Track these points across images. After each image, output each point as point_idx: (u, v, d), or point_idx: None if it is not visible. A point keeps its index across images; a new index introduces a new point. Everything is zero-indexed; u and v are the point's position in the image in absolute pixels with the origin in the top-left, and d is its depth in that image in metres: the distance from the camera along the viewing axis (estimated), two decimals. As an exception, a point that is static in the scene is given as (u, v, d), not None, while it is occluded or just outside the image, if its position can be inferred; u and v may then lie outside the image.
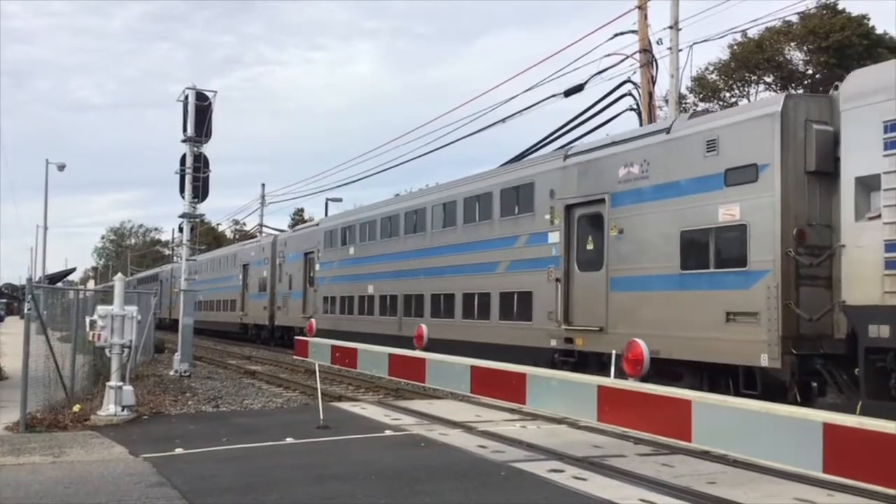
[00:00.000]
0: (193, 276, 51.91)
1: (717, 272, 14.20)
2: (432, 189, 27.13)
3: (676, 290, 15.00)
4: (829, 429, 10.13)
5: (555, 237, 18.67)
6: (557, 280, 18.23)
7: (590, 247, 17.58)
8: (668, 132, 15.64)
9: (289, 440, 12.09)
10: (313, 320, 35.06)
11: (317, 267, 34.02)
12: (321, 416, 13.59)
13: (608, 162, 17.14)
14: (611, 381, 14.61)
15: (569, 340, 17.78)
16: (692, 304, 14.60)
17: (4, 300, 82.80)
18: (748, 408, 11.46)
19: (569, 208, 18.26)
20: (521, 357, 18.33)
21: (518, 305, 19.85)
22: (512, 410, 15.56)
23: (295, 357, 29.37)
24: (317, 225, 36.04)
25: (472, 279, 22.07)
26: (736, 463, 10.62)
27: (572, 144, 20.99)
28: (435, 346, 22.62)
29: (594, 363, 17.12)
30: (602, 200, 17.11)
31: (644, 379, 15.32)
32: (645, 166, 16.03)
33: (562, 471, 9.94)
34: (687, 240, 14.89)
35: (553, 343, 18.26)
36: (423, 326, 25.87)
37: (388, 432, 12.94)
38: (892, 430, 9.53)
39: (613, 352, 16.39)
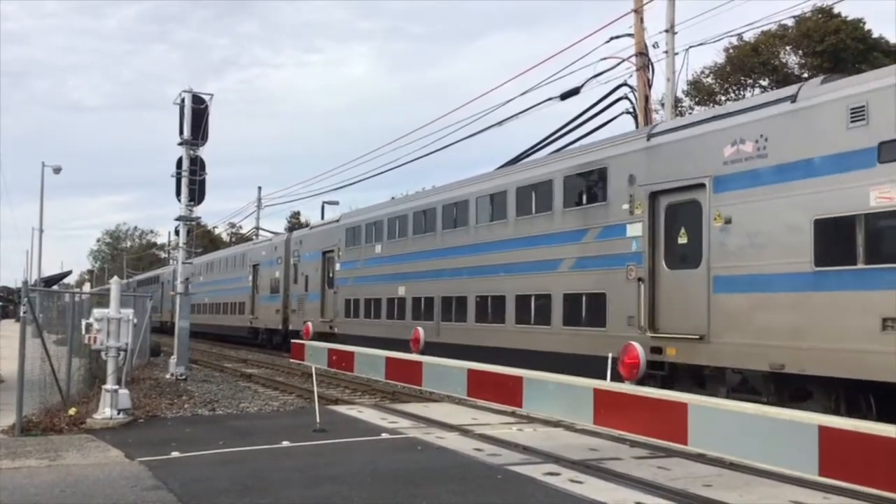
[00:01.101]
0: (191, 278, 51.67)
1: (869, 269, 11.77)
2: (476, 179, 24.26)
3: (808, 291, 12.64)
4: (824, 431, 10.15)
5: (635, 230, 16.35)
6: (639, 280, 15.97)
7: (682, 240, 15.32)
8: (793, 100, 13.39)
9: (285, 443, 12.08)
10: (309, 323, 34.71)
11: (337, 267, 31.92)
12: (318, 420, 13.58)
13: (709, 140, 14.75)
14: (606, 384, 14.62)
15: (656, 350, 15.45)
16: (831, 309, 12.28)
17: (0, 303, 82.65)
18: (744, 411, 11.48)
19: (654, 196, 15.92)
20: (590, 368, 16.20)
21: (587, 309, 17.64)
22: (508, 413, 15.56)
23: (291, 360, 29.31)
24: (337, 221, 33.40)
25: (528, 279, 19.73)
26: (732, 466, 10.64)
27: (657, 123, 18.20)
28: (481, 354, 20.12)
29: (691, 378, 14.93)
30: (700, 186, 14.76)
31: (640, 382, 15.34)
32: (761, 143, 13.68)
33: (558, 474, 9.95)
34: (824, 230, 12.51)
35: None
36: (420, 329, 25.63)
37: (384, 435, 12.94)
38: (887, 433, 9.56)
39: (610, 354, 16.34)
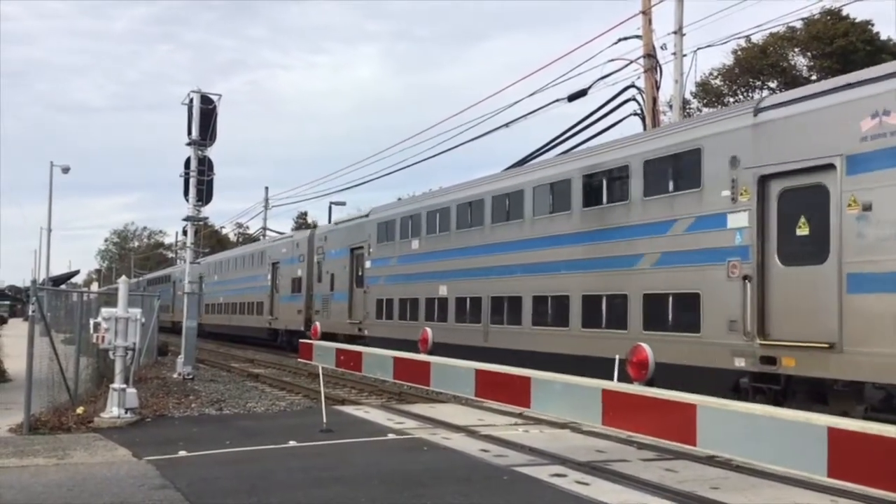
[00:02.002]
0: (205, 277, 51.19)
1: None
2: (531, 167, 22.50)
3: None
4: (833, 433, 10.12)
5: (739, 220, 14.24)
6: (745, 278, 13.85)
7: (802, 231, 13.17)
8: None
9: (292, 443, 12.10)
10: (318, 323, 34.43)
11: (367, 264, 29.77)
12: (324, 420, 13.60)
13: (839, 112, 12.68)
14: (615, 385, 14.57)
15: (768, 360, 13.32)
16: None
17: (8, 302, 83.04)
18: (752, 412, 11.45)
19: (764, 180, 13.81)
20: (680, 379, 14.35)
21: (676, 312, 15.61)
22: (515, 415, 15.55)
23: (298, 360, 29.31)
24: (366, 216, 30.98)
25: (598, 277, 17.75)
26: (739, 468, 10.61)
27: (763, 96, 15.98)
28: (538, 361, 18.35)
29: (810, 393, 13.04)
30: (828, 167, 12.69)
31: (650, 382, 15.27)
32: None
33: (564, 475, 9.94)
34: None
35: (740, 363, 13.84)
36: (428, 330, 25.24)
37: (390, 436, 12.95)
38: (894, 434, 9.54)
39: (617, 356, 16.15)
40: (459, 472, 10.14)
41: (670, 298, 15.76)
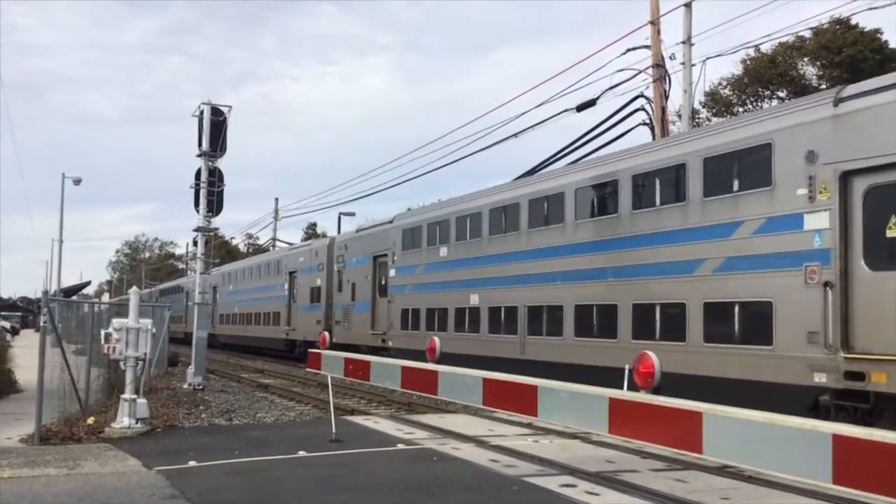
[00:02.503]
0: (219, 287, 50.89)
1: None
2: (572, 168, 21.31)
3: None
4: (838, 440, 10.08)
5: (818, 221, 13.08)
6: (826, 284, 12.73)
7: (893, 233, 12.12)
8: None
9: (301, 453, 12.11)
10: (326, 333, 34.34)
11: (391, 273, 28.61)
12: (333, 430, 13.61)
13: None
14: (622, 394, 14.54)
15: (854, 376, 12.21)
16: None
17: (20, 313, 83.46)
18: (757, 419, 11.40)
19: (847, 176, 12.72)
20: (747, 396, 13.09)
21: (743, 322, 14.41)
22: (524, 425, 15.53)
23: (308, 369, 29.31)
24: (390, 222, 29.85)
25: (651, 285, 16.61)
26: (751, 479, 10.57)
27: (844, 86, 14.06)
28: (582, 374, 17.18)
29: None
30: None
31: (656, 391, 15.23)
32: None
33: (574, 485, 9.92)
34: None
35: (820, 379, 12.70)
36: (437, 339, 24.86)
37: (400, 446, 12.95)
38: None
39: (627, 366, 16.02)
40: (469, 483, 10.14)
41: (736, 307, 14.59)
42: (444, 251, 25.37)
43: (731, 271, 14.84)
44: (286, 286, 40.05)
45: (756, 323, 14.16)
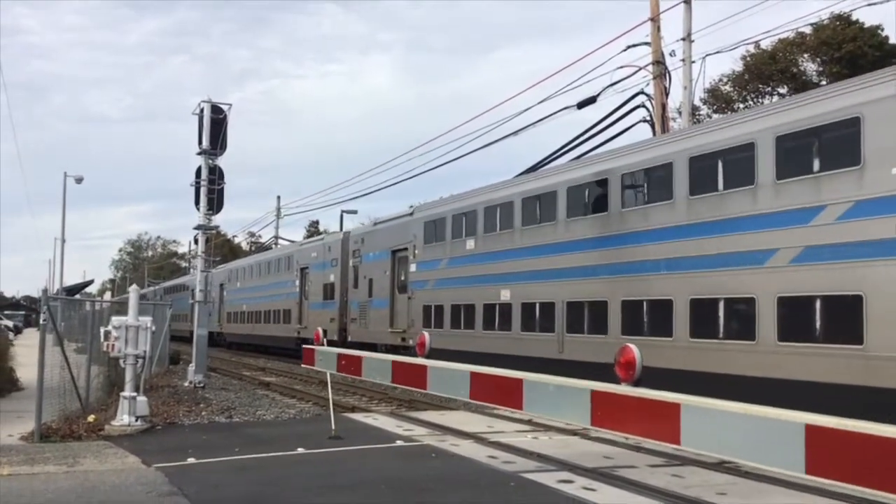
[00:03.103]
0: (226, 284, 50.52)
1: None
2: (616, 152, 19.81)
3: None
4: (811, 430, 10.06)
5: None
6: None
7: None
8: None
9: (300, 450, 12.14)
10: (319, 329, 34.18)
11: (412, 268, 27.31)
12: (333, 427, 13.65)
13: None
14: (603, 386, 14.40)
15: None
16: None
17: (23, 312, 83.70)
18: (730, 409, 11.36)
19: None
20: (834, 401, 11.95)
21: (824, 318, 13.14)
22: (524, 421, 15.54)
23: (303, 365, 29.24)
24: (409, 215, 28.64)
25: (714, 277, 15.20)
26: (749, 474, 10.56)
27: None
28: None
29: None
30: None
31: (637, 383, 15.13)
32: None
33: (571, 481, 9.95)
34: None
35: None
36: (426, 334, 25.06)
37: (399, 443, 12.98)
38: (870, 431, 9.49)
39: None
40: (467, 479, 10.17)
41: (817, 302, 13.17)
42: (471, 244, 23.98)
43: (811, 262, 13.33)
44: (297, 283, 39.10)
45: (842, 320, 12.85)
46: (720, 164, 15.50)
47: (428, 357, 24.86)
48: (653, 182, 17.33)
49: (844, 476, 9.42)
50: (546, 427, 14.81)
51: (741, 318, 14.63)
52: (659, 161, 17.07)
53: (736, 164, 15.11)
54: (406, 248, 27.89)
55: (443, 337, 24.27)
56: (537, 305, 20.69)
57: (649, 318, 17.00)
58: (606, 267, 18.26)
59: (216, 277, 54.35)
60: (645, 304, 17.11)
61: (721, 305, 15.06)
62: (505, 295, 21.94)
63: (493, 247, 22.80)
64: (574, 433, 14.07)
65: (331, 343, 31.22)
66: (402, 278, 28.18)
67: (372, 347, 28.38)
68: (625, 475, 10.33)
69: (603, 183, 18.80)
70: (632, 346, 15.06)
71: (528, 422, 15.50)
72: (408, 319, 27.31)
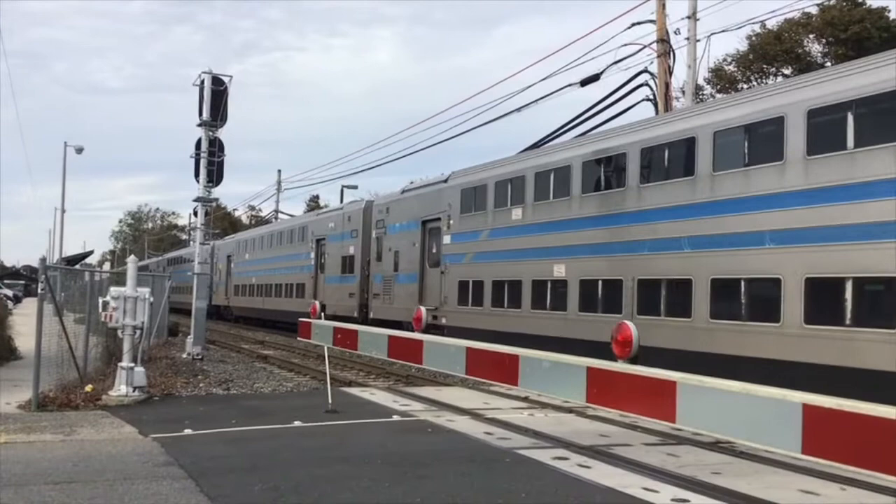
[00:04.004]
0: (233, 256, 49.54)
1: None
2: (703, 108, 17.85)
3: None
4: (808, 409, 10.08)
5: None
6: None
7: None
8: None
9: (297, 423, 12.17)
10: (316, 303, 33.93)
11: (445, 240, 25.11)
12: (330, 401, 13.67)
13: None
14: (599, 363, 14.40)
15: None
16: None
17: (23, 282, 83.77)
18: (729, 389, 11.40)
19: None
20: None
21: None
22: (521, 398, 15.57)
23: (299, 339, 29.20)
24: (444, 181, 26.14)
25: (839, 253, 12.97)
26: (742, 454, 10.60)
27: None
28: (728, 367, 13.90)
29: None
30: None
31: (633, 360, 15.14)
32: None
33: (566, 458, 9.97)
34: None
35: None
36: (422, 309, 24.12)
37: (395, 417, 13.00)
38: (867, 411, 9.52)
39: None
40: (462, 454, 10.18)
41: None
42: (517, 213, 21.61)
43: None
44: (312, 255, 37.02)
45: None
46: (849, 120, 13.16)
47: (448, 335, 23.34)
48: (753, 142, 14.93)
49: (841, 457, 9.47)
50: (542, 404, 14.84)
51: (876, 300, 12.84)
52: (759, 117, 14.82)
53: (868, 119, 13.01)
54: (439, 218, 25.65)
55: (482, 316, 22.58)
56: (599, 283, 18.48)
57: (748, 299, 14.72)
58: (691, 240, 16.00)
59: (223, 248, 53.47)
60: (742, 282, 14.83)
61: (848, 285, 12.82)
62: (559, 270, 19.66)
63: (546, 217, 20.51)
64: (570, 411, 14.10)
65: (350, 320, 29.76)
66: (434, 251, 26.08)
67: (397, 325, 26.39)
68: (620, 453, 10.35)
69: (685, 143, 16.36)
70: (629, 322, 15.06)
71: (525, 399, 15.53)
72: (440, 296, 25.12)
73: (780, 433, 10.33)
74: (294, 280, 39.05)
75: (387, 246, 29.15)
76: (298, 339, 29.26)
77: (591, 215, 18.92)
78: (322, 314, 32.45)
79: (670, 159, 16.90)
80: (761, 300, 14.40)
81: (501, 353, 16.89)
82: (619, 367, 14.08)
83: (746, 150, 15.07)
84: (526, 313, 20.82)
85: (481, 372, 17.23)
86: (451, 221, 24.81)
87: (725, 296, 15.20)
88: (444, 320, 24.84)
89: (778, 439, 10.31)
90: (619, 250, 17.89)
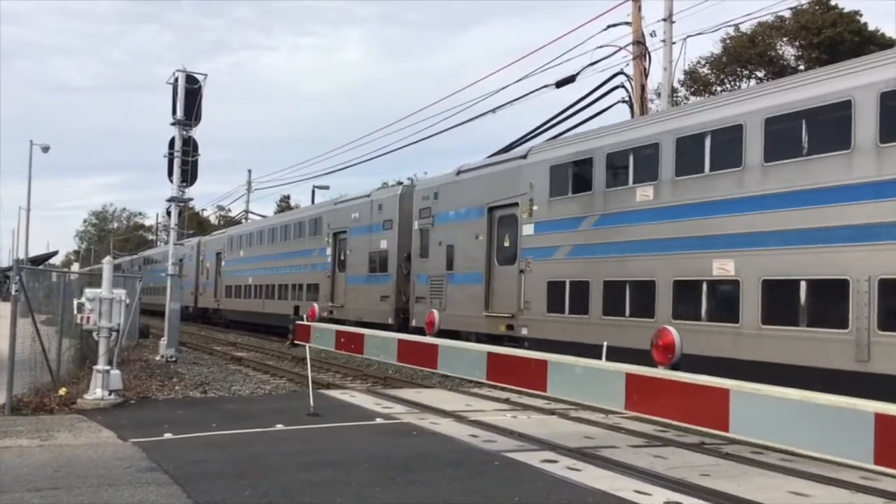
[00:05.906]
0: (224, 253, 47.37)
1: None
2: (865, 61, 13.20)
3: None
4: (881, 419, 9.92)
5: None
6: None
7: None
8: None
9: (279, 427, 11.99)
10: (316, 305, 32.69)
11: (525, 230, 20.12)
12: (311, 403, 13.50)
13: None
14: (639, 369, 14.20)
15: None
16: None
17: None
18: (791, 397, 11.23)
19: None
20: None
21: None
22: (502, 400, 15.51)
23: (295, 342, 28.69)
24: (523, 157, 21.09)
25: None
26: (729, 455, 10.61)
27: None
28: None
29: None
30: None
31: (675, 367, 14.99)
32: None
33: (555, 461, 9.91)
34: None
35: None
36: (435, 312, 22.43)
37: (378, 420, 12.88)
38: None
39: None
40: (450, 458, 10.08)
41: None
42: (645, 193, 16.63)
43: None
44: (329, 251, 32.06)
45: None
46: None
47: (531, 348, 18.55)
48: None
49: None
50: (524, 406, 14.79)
51: None
52: None
53: None
54: (515, 204, 20.66)
55: (586, 326, 17.61)
56: (803, 284, 13.27)
57: None
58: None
59: (211, 245, 48.52)
60: None
61: None
62: (724, 267, 14.69)
63: (694, 197, 15.46)
64: (552, 412, 14.06)
65: (386, 328, 24.57)
66: (507, 244, 21.10)
67: (455, 335, 21.17)
68: (608, 455, 10.33)
69: (840, 107, 12.81)
70: (671, 328, 14.39)
71: (506, 400, 15.48)
72: (518, 301, 20.15)
73: (850, 443, 10.14)
74: (305, 280, 34.28)
75: (435, 239, 24.11)
76: (295, 342, 28.62)
77: (775, 192, 13.84)
78: (319, 315, 31.27)
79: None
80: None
81: (528, 359, 16.49)
82: (663, 373, 13.80)
83: None
84: (663, 325, 15.78)
85: (505, 378, 16.68)
86: (535, 207, 19.85)
87: None
88: (524, 331, 19.87)
89: (846, 449, 10.12)
90: (838, 238, 12.68)
